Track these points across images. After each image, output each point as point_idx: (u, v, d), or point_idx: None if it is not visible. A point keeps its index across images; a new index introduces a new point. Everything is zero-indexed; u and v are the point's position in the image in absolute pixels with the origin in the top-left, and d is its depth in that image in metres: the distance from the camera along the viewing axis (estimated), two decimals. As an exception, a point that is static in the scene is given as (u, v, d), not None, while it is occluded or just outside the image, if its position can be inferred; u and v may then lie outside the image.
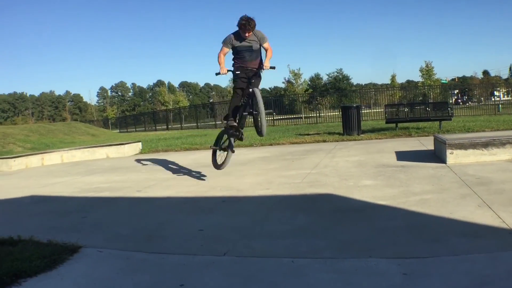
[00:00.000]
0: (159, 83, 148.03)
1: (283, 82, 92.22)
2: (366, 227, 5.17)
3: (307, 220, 5.64)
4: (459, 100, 71.27)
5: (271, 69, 8.76)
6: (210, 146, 9.77)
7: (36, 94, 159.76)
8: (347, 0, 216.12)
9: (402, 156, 10.32)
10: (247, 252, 4.54)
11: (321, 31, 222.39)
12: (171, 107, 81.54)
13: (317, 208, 6.26)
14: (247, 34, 8.45)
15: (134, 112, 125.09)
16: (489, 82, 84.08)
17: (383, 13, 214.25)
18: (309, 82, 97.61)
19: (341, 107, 19.36)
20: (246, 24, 8.34)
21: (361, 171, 8.79)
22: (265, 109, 8.67)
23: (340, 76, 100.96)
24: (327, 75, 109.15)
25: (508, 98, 55.30)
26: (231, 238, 5.09)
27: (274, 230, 5.31)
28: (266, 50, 8.87)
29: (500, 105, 39.05)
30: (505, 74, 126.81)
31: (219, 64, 8.66)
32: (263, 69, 8.73)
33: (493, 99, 49.91)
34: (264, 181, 8.45)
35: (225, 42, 8.67)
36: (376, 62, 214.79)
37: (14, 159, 15.42)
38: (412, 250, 4.34)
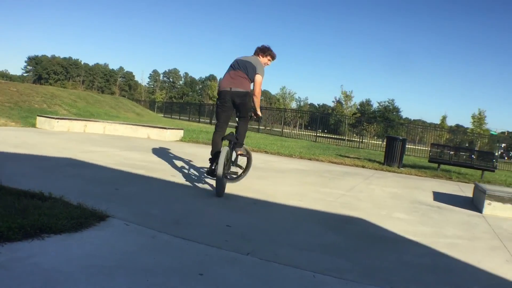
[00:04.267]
0: (211, 77, 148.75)
1: (332, 101, 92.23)
2: (392, 258, 5.20)
3: (335, 239, 5.68)
4: (504, 154, 70.33)
5: None
6: None
7: (91, 63, 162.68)
8: (408, 32, 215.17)
9: (439, 197, 10.30)
10: (270, 256, 4.59)
11: (380, 58, 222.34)
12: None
13: (346, 229, 6.29)
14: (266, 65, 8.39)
15: (181, 101, 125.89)
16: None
17: (445, 51, 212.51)
18: (359, 106, 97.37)
19: (387, 137, 19.28)
20: (273, 57, 8.50)
21: (395, 203, 8.80)
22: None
23: (391, 107, 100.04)
24: (378, 102, 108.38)
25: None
26: (256, 240, 5.19)
27: (301, 241, 5.36)
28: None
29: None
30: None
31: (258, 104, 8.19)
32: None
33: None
34: (298, 193, 8.53)
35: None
36: (429, 100, 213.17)
37: (57, 120, 15.88)
38: (434, 290, 4.39)
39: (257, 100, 8.02)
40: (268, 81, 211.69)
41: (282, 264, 4.43)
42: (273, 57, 8.47)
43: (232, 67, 8.06)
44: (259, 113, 8.17)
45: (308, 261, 4.66)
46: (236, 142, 7.78)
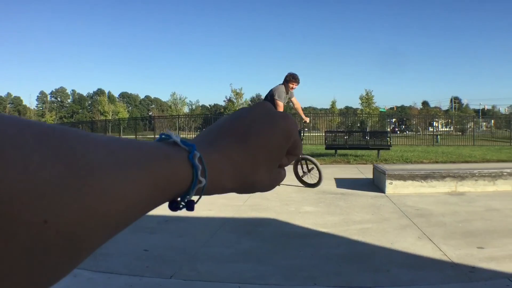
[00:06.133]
0: (100, 92, 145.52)
1: (224, 101, 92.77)
2: (309, 254, 5.30)
3: (252, 245, 5.72)
4: (396, 129, 73.13)
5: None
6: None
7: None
8: (289, 21, 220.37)
9: (341, 183, 10.59)
10: (193, 275, 4.57)
11: (264, 50, 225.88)
12: (110, 118, 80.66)
13: (260, 233, 6.36)
14: (292, 88, 9.91)
15: (72, 120, 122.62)
16: (428, 113, 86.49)
17: (325, 37, 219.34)
18: (250, 102, 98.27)
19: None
20: (295, 80, 9.84)
21: (301, 196, 8.97)
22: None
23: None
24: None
25: (446, 129, 57.06)
26: (176, 260, 5.12)
27: (220, 253, 5.37)
28: (296, 104, 10.46)
29: (439, 136, 40.19)
30: (445, 106, 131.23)
31: None
32: (305, 124, 10.75)
33: (431, 129, 51.31)
34: (205, 202, 8.41)
35: (281, 98, 9.66)
36: (317, 86, 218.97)
37: None
38: (356, 279, 4.50)
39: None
40: (158, 88, 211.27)
41: (206, 281, 4.43)
42: (287, 80, 9.87)
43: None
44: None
45: (231, 273, 4.67)
46: None
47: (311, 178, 10.21)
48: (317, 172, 10.04)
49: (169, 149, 0.51)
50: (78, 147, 0.41)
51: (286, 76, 9.85)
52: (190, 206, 0.55)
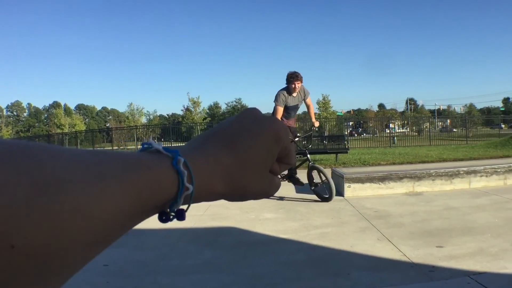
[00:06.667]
0: (56, 104, 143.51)
1: (181, 110, 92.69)
2: (270, 261, 5.31)
3: (213, 255, 5.71)
4: (354, 132, 73.96)
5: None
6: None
7: None
8: (248, 30, 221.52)
9: (301, 188, 10.58)
10: (155, 289, 4.53)
11: (222, 59, 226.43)
12: (67, 131, 79.77)
13: (221, 242, 6.35)
14: (296, 87, 9.05)
15: (29, 134, 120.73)
16: (384, 115, 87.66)
17: (280, 43, 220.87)
18: (208, 111, 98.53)
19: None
20: (296, 77, 8.98)
21: (261, 203, 8.95)
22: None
23: (239, 106, 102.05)
24: (226, 104, 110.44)
25: (403, 131, 57.85)
26: (137, 274, 5.07)
27: (180, 265, 5.33)
28: (308, 107, 9.72)
29: (395, 137, 40.70)
30: (401, 108, 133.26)
31: None
32: (314, 129, 9.99)
33: (388, 131, 51.91)
34: (165, 213, 8.39)
35: (278, 101, 9.08)
36: (271, 92, 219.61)
37: None
38: (316, 284, 4.52)
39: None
40: (114, 99, 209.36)
41: (167, 294, 4.37)
42: (288, 80, 9.10)
43: None
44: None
45: (192, 284, 4.66)
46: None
47: (323, 190, 9.12)
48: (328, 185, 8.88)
49: (150, 157, 0.50)
50: (47, 162, 0.38)
51: (286, 77, 9.13)
52: (180, 215, 0.53)
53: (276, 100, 9.08)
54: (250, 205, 8.78)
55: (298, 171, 9.63)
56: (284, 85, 9.23)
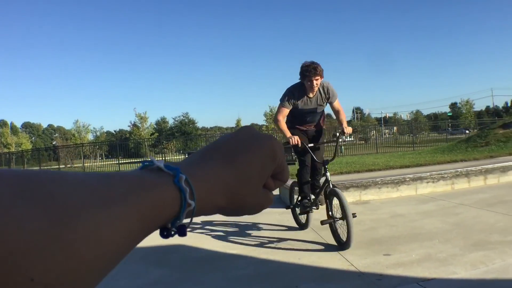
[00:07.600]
0: (2, 123, 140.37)
1: (128, 126, 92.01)
2: (219, 277, 5.29)
3: (161, 274, 5.64)
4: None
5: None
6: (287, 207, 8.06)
7: None
8: (195, 44, 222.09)
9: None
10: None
11: (169, 75, 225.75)
12: (13, 150, 78.27)
13: (169, 260, 6.28)
14: (314, 85, 6.57)
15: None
16: (331, 125, 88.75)
17: (228, 57, 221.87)
18: (155, 126, 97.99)
19: (188, 153, 19.44)
20: (314, 71, 6.51)
21: (209, 218, 8.89)
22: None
23: (186, 120, 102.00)
24: (173, 118, 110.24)
25: (350, 139, 58.58)
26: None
27: (128, 286, 5.27)
28: (337, 112, 7.08)
29: (342, 147, 41.31)
30: (348, 117, 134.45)
31: (284, 132, 6.72)
32: (346, 134, 6.84)
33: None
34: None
35: (284, 101, 6.77)
36: (220, 105, 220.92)
37: None
38: (265, 299, 4.50)
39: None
40: (60, 116, 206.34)
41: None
42: (302, 76, 6.66)
43: None
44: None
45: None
46: None
47: (340, 228, 6.22)
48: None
49: (152, 176, 0.51)
50: (56, 190, 0.39)
51: (300, 70, 6.63)
52: (181, 231, 0.55)
53: (282, 98, 6.83)
54: (198, 220, 8.72)
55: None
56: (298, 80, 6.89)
